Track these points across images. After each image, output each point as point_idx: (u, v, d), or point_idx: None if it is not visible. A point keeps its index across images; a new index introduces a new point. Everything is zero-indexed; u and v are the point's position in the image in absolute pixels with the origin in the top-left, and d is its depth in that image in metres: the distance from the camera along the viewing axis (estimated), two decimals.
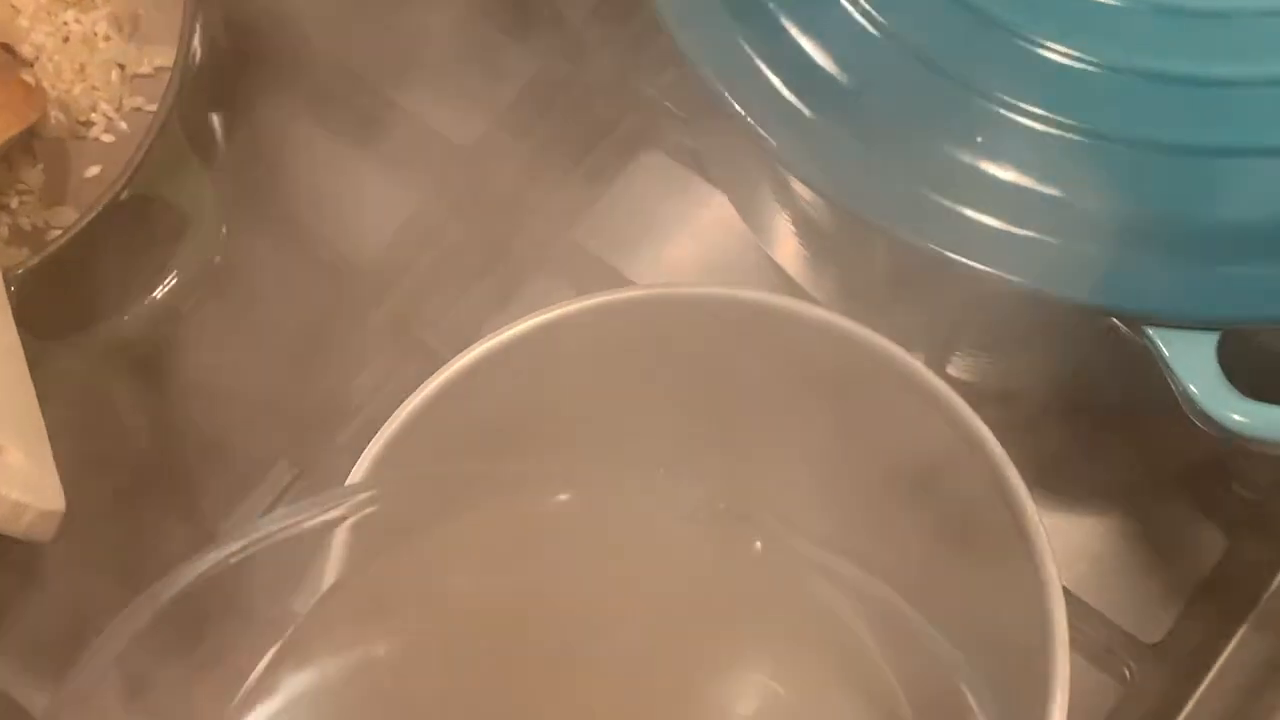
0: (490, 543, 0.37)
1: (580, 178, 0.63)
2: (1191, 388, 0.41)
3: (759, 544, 0.36)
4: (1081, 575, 0.54)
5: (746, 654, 0.37)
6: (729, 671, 0.36)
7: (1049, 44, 0.43)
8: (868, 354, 0.44)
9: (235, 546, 0.35)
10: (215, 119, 0.60)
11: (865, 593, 0.36)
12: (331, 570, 0.37)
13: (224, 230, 0.48)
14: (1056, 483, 0.55)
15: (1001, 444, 0.43)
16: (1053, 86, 0.43)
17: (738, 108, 0.47)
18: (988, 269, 0.43)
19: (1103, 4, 0.43)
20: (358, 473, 0.40)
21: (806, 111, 0.46)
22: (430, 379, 0.43)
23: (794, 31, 0.46)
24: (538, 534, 0.37)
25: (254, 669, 0.36)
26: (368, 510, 0.36)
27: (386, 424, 0.42)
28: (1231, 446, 0.41)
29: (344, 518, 0.36)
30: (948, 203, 0.43)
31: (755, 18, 0.47)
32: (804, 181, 0.47)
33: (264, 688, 0.35)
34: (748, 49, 0.47)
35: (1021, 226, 0.42)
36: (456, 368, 0.43)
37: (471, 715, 0.36)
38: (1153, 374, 0.42)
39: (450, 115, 0.62)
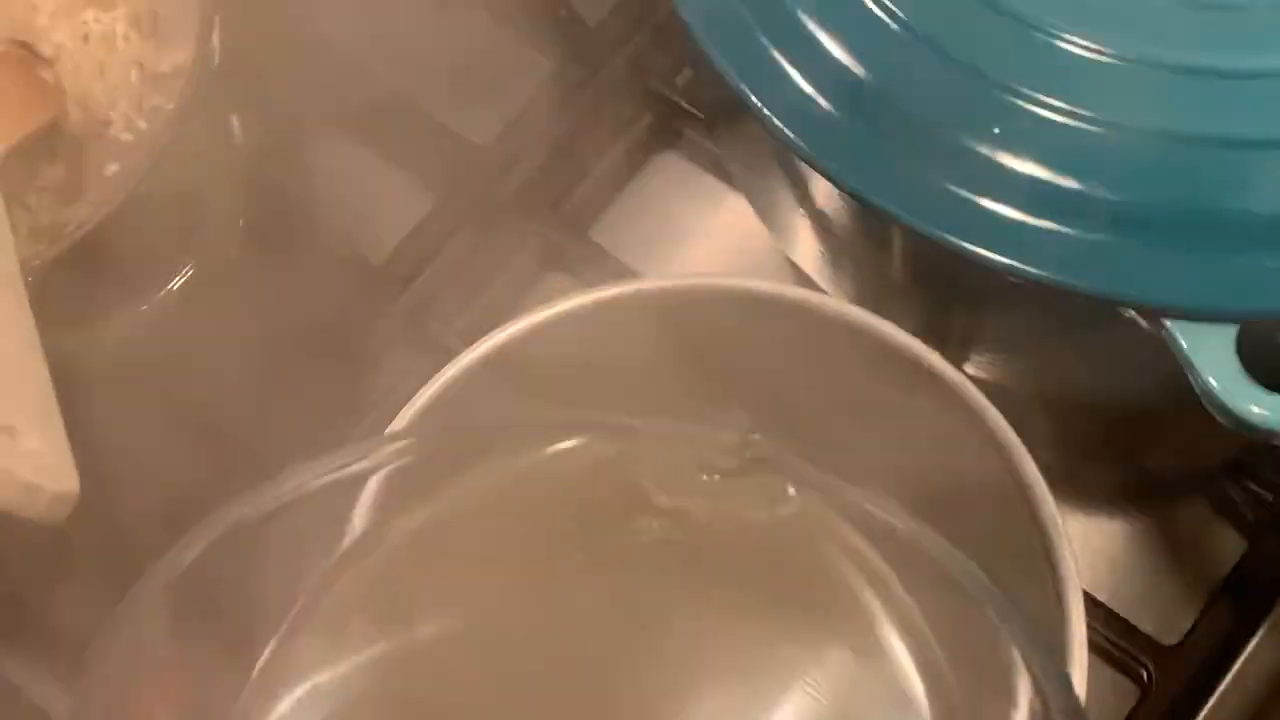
0: (516, 491, 0.37)
1: (597, 178, 0.63)
2: (1211, 381, 0.41)
3: (792, 489, 0.36)
4: (1100, 577, 0.54)
5: (781, 604, 0.36)
6: (763, 623, 0.36)
7: (1069, 36, 0.43)
8: (884, 346, 0.44)
9: (270, 496, 0.35)
10: (234, 118, 0.60)
11: (899, 532, 0.35)
12: (359, 524, 0.37)
13: (241, 223, 0.48)
14: (1075, 484, 0.55)
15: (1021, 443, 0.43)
16: (1073, 78, 0.43)
17: (756, 102, 0.47)
18: (1004, 260, 0.42)
19: None
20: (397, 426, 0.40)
21: (828, 107, 0.46)
22: (468, 350, 0.43)
23: (814, 28, 0.46)
24: (563, 482, 0.37)
25: (278, 629, 0.36)
26: (404, 460, 0.36)
27: (426, 385, 0.42)
28: (1252, 441, 0.41)
29: (378, 467, 0.36)
30: (966, 194, 0.43)
31: (775, 15, 0.47)
32: (825, 176, 0.46)
33: (286, 650, 0.35)
34: (768, 45, 0.47)
35: (1039, 218, 0.42)
36: (501, 338, 0.43)
37: (490, 681, 0.36)
38: (1172, 370, 0.42)
39: (467, 115, 0.62)
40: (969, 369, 0.51)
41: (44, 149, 0.59)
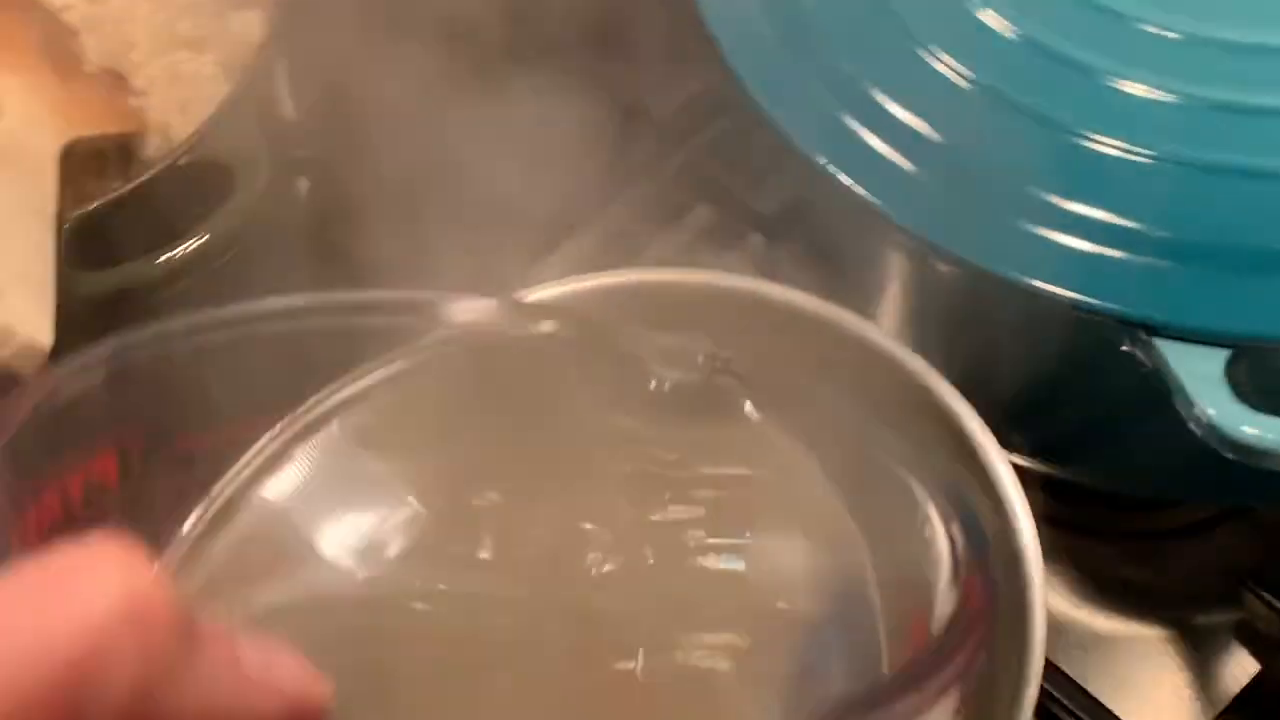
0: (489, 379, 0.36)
1: (648, 265, 0.63)
2: (1200, 401, 0.40)
3: (748, 405, 0.35)
4: (1113, 690, 0.51)
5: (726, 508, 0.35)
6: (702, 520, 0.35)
7: (1126, 80, 0.44)
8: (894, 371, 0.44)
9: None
10: (302, 179, 0.62)
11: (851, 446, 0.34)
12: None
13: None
14: (1090, 595, 0.53)
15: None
16: (1129, 118, 0.44)
17: (830, 165, 0.47)
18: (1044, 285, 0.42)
19: (1172, 39, 0.45)
20: None
21: (905, 165, 0.46)
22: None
23: (884, 97, 0.47)
24: (530, 371, 0.36)
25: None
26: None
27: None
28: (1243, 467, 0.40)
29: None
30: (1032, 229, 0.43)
31: (848, 91, 0.48)
32: (904, 231, 0.46)
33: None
34: (843, 116, 0.48)
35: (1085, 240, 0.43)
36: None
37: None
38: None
39: (525, 193, 0.63)
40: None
41: (119, 167, 0.61)
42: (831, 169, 0.47)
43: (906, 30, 0.48)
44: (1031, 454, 0.51)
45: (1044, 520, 0.44)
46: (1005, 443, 0.49)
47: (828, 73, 0.49)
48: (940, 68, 0.47)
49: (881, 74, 0.48)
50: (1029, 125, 0.45)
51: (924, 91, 0.47)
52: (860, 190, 0.46)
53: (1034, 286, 0.43)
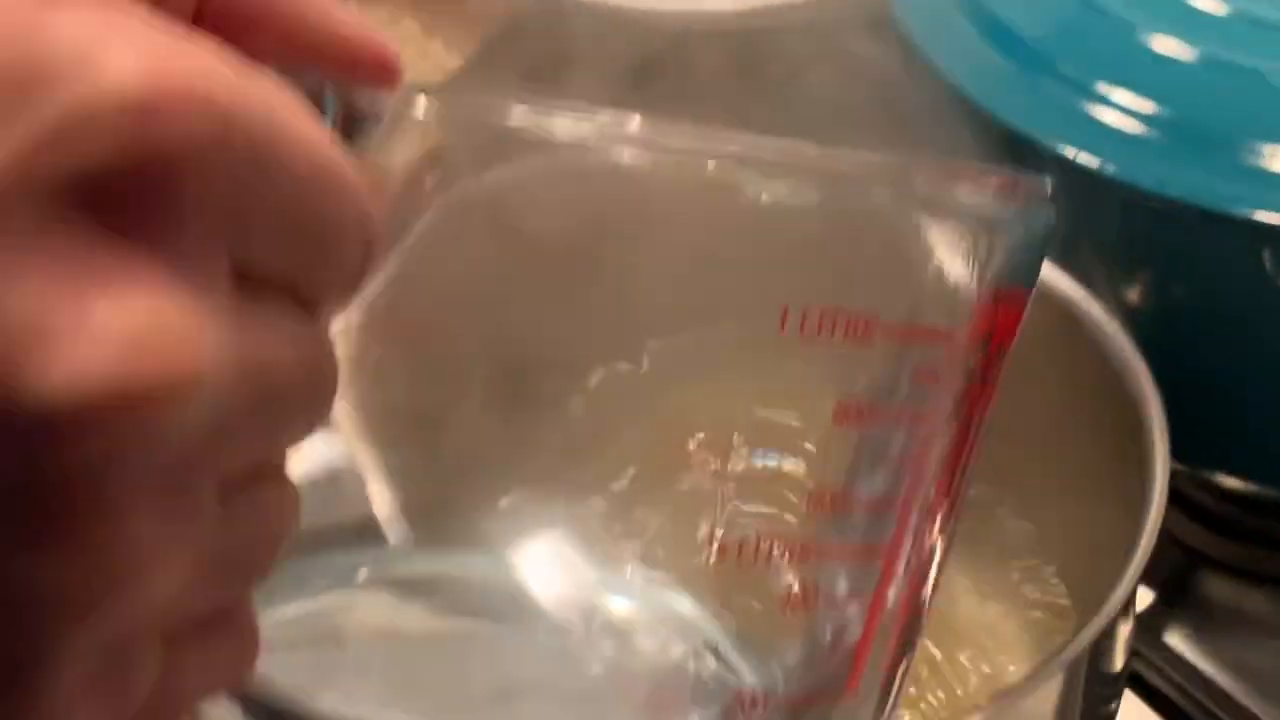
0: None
1: None
2: None
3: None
4: None
5: None
6: None
7: None
8: None
9: None
10: None
11: None
12: None
13: None
14: None
15: None
16: None
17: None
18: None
19: None
20: None
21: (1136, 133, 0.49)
22: None
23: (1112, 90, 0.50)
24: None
25: None
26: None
27: None
28: None
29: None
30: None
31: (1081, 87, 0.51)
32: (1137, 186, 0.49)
33: None
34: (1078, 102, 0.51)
35: None
36: None
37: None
38: None
39: None
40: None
41: None
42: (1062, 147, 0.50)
43: (1125, 24, 0.51)
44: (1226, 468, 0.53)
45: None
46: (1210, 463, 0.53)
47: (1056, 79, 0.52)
48: (1160, 49, 0.50)
49: (1104, 66, 0.51)
50: (1246, 83, 0.48)
51: (1144, 72, 0.50)
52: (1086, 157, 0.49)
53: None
